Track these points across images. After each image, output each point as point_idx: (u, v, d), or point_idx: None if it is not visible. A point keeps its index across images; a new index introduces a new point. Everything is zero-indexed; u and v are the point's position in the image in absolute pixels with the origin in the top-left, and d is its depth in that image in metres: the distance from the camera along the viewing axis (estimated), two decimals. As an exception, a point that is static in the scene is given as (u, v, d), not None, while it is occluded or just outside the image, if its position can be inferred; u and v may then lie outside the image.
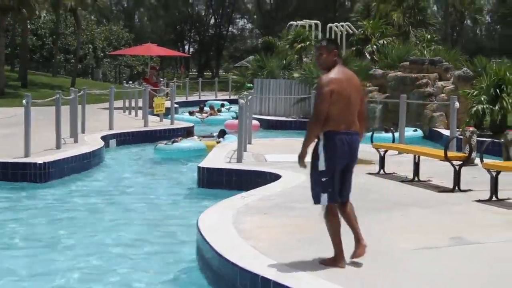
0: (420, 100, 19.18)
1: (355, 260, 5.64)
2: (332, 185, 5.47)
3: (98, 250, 7.60)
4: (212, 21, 78.73)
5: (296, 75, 24.70)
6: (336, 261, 5.58)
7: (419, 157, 10.10)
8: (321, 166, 5.47)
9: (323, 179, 5.46)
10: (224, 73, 72.06)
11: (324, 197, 5.49)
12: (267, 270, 5.39)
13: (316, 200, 5.57)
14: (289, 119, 23.90)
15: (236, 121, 22.40)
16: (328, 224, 5.61)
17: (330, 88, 5.38)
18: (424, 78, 20.37)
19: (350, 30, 33.50)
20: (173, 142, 15.32)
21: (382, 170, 10.70)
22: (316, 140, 5.52)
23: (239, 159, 11.78)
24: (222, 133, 16.77)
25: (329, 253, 5.90)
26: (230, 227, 6.87)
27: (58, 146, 13.38)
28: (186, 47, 79.93)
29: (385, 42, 26.76)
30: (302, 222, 7.15)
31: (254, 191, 9.17)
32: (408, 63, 21.85)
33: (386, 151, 10.86)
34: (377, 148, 10.93)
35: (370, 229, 6.97)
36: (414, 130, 18.85)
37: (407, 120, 14.79)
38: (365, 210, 7.89)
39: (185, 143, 15.36)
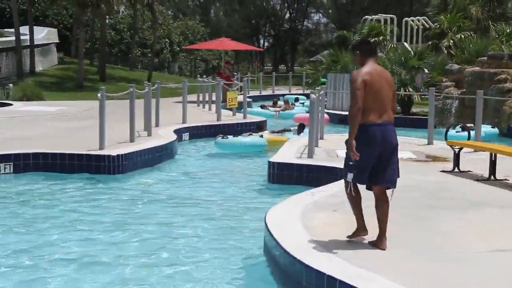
0: (498, 96, 18.61)
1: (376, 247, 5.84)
2: (358, 169, 5.97)
3: (166, 242, 7.67)
4: (287, 15, 78.70)
5: (370, 69, 24.36)
6: (358, 231, 6.20)
7: (495, 155, 9.78)
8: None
9: (351, 163, 6.00)
10: (299, 68, 71.93)
11: (350, 175, 6.06)
12: (334, 269, 5.29)
13: (344, 177, 6.17)
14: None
15: (306, 115, 22.43)
16: (349, 200, 6.26)
17: (362, 79, 5.84)
18: (503, 74, 19.74)
19: (427, 24, 32.87)
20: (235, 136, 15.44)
21: (456, 168, 10.41)
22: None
23: (310, 155, 11.68)
24: (301, 128, 16.63)
25: (398, 250, 5.79)
26: (297, 224, 6.80)
27: (131, 139, 13.59)
28: (262, 41, 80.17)
29: (463, 36, 26.15)
30: (372, 221, 7.00)
31: (324, 187, 9.07)
32: (486, 58, 21.25)
33: (461, 149, 10.57)
34: (452, 145, 10.65)
35: (443, 228, 6.80)
36: (492, 127, 18.31)
37: (485, 116, 14.37)
38: (438, 209, 7.72)
39: (244, 138, 15.36)
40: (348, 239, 6.25)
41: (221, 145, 15.06)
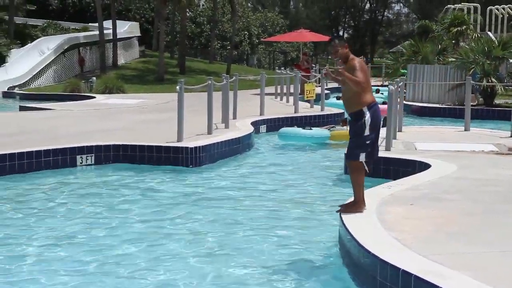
0: None
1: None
2: (372, 146, 6.85)
3: (240, 231, 7.72)
4: (367, 6, 77.77)
5: (451, 60, 23.82)
6: (356, 206, 6.86)
7: None
8: (367, 131, 6.76)
9: (368, 142, 6.78)
10: (378, 59, 71.01)
11: (363, 155, 6.81)
12: (409, 264, 5.18)
13: (354, 158, 6.83)
14: (443, 106, 23.13)
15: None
16: (356, 177, 6.90)
17: (365, 68, 6.83)
18: None
19: (512, 13, 31.84)
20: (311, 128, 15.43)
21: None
22: (357, 112, 6.76)
23: (388, 147, 11.51)
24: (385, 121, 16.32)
25: (477, 247, 5.64)
26: (373, 217, 6.70)
27: (209, 131, 13.71)
28: (341, 32, 79.54)
29: (550, 24, 25.16)
30: (450, 215, 6.86)
31: (401, 181, 8.93)
32: None
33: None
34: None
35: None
36: None
37: None
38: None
39: (307, 130, 15.27)
40: (340, 208, 6.99)
41: (283, 136, 15.11)
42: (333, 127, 15.70)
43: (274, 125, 17.48)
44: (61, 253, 6.94)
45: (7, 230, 7.79)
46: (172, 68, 39.44)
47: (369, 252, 5.58)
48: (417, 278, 4.95)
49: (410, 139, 12.92)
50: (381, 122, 6.94)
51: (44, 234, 7.65)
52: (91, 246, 7.19)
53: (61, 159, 11.66)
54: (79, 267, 6.47)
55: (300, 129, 15.37)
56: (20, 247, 7.12)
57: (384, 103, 24.19)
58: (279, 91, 24.61)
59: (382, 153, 11.06)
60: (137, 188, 10.34)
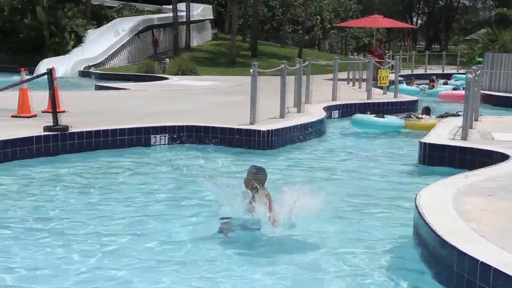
0: None
1: None
2: None
3: (309, 218, 7.69)
4: (443, -8, 76.13)
5: (532, 49, 23.14)
6: None
7: None
8: None
9: None
10: (453, 46, 69.56)
11: None
12: (488, 256, 5.06)
13: None
14: (522, 96, 22.48)
15: (449, 92, 21.77)
16: None
17: None
18: None
19: None
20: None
21: None
22: None
23: (464, 137, 11.27)
24: None
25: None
26: (449, 207, 6.57)
27: (281, 115, 13.71)
28: (414, 19, 78.24)
29: None
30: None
31: (478, 171, 8.72)
32: None
33: None
34: None
35: None
36: None
37: None
38: None
39: (381, 118, 15.03)
40: None
41: (357, 123, 14.96)
42: (409, 116, 15.45)
43: (347, 110, 17.36)
44: (139, 231, 7.10)
45: (86, 204, 8.01)
46: (244, 51, 39.57)
47: (446, 242, 5.48)
48: (496, 270, 4.84)
49: (487, 129, 12.62)
50: None
51: (123, 211, 7.83)
52: (168, 223, 7.31)
53: (135, 138, 11.88)
54: (165, 239, 6.58)
55: (373, 116, 15.18)
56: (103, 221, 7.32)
57: (454, 89, 23.94)
58: (351, 76, 24.41)
59: (458, 143, 10.96)
60: (209, 169, 10.42)
